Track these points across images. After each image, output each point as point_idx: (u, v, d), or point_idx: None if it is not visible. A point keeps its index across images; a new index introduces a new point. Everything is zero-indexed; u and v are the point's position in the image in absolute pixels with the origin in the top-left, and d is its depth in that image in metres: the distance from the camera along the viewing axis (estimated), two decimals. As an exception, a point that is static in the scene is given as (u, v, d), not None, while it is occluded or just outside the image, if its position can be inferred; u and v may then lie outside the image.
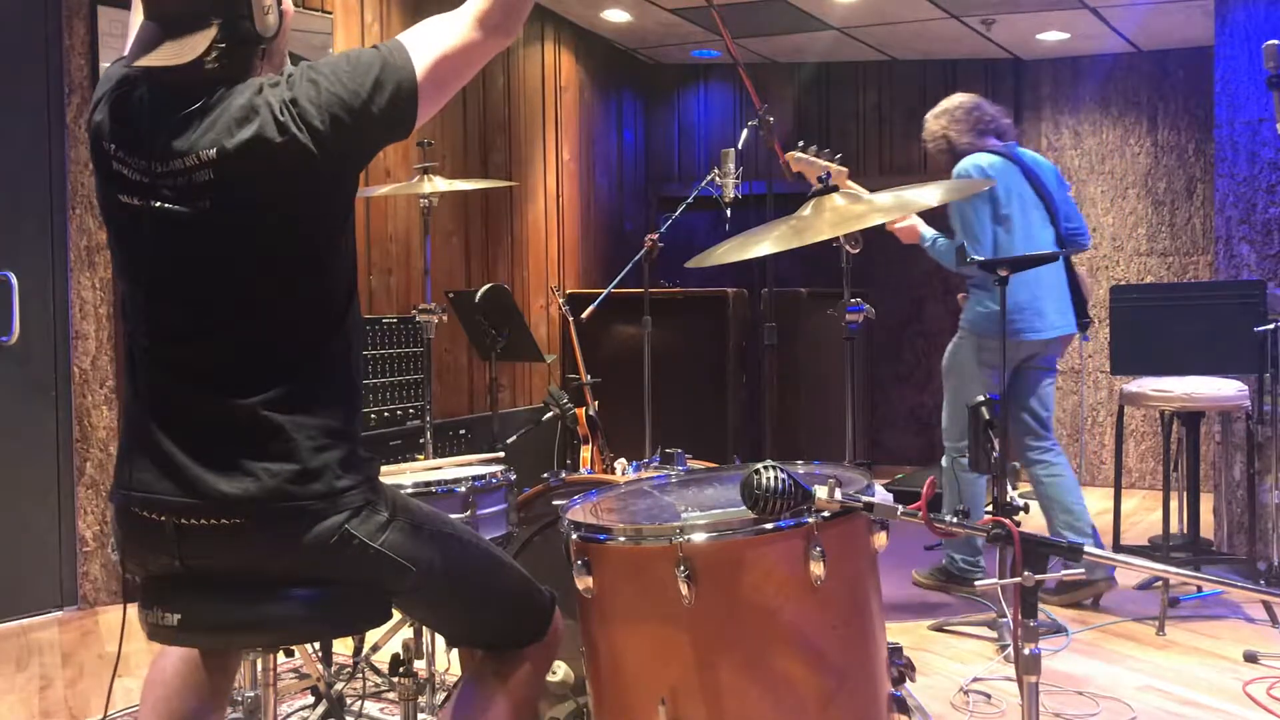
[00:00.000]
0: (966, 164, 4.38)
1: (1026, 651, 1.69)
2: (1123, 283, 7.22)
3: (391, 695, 3.19)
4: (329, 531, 1.80)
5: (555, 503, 2.41)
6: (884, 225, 3.43)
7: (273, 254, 1.80)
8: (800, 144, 3.85)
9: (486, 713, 2.02)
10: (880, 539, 1.99)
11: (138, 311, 1.88)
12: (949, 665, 3.72)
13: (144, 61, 1.81)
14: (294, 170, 1.76)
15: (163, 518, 1.81)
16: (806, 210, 2.75)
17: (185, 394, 1.82)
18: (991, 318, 4.06)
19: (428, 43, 1.83)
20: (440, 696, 3.03)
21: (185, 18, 1.78)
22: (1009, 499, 4.04)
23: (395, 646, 2.76)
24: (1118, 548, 4.53)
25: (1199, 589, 4.39)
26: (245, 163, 1.75)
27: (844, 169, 3.74)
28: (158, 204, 1.79)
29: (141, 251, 1.85)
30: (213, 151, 1.75)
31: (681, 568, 1.84)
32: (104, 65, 4.54)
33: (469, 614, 2.06)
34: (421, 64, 1.81)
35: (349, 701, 3.09)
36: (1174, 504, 4.48)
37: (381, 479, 1.94)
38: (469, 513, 2.73)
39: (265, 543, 1.81)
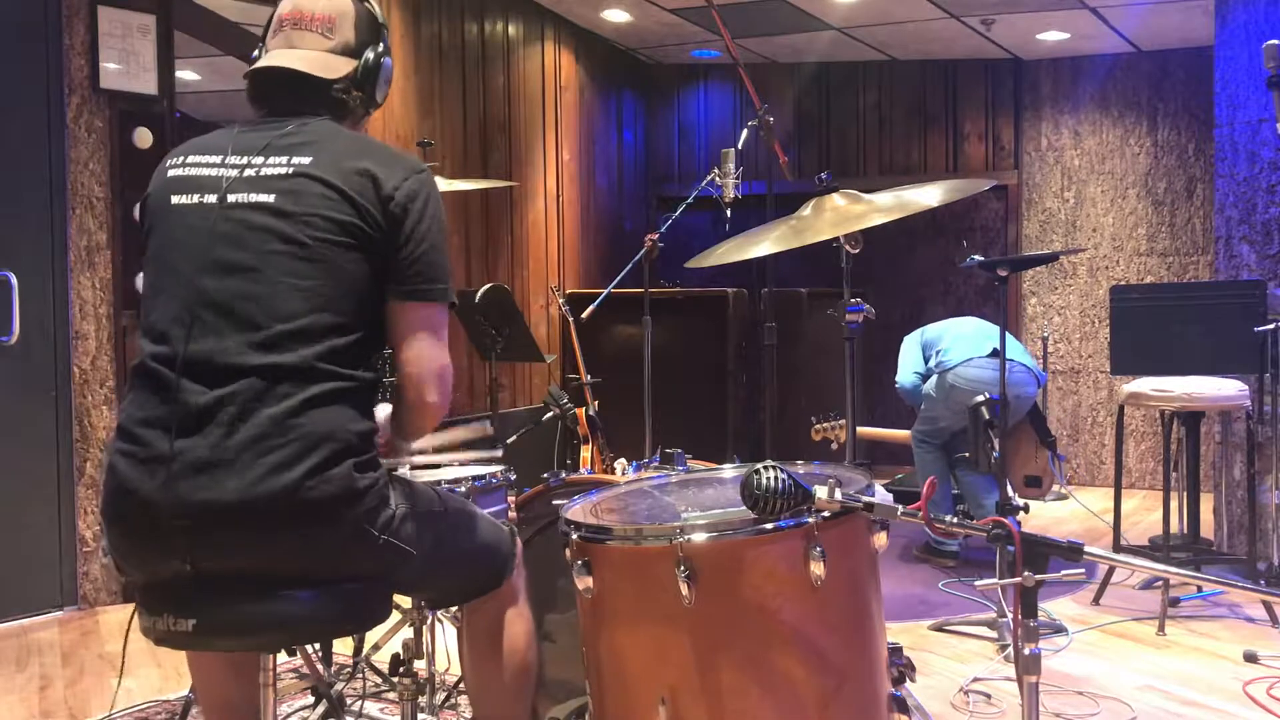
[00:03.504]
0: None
1: (1026, 651, 1.69)
2: (1123, 283, 7.22)
3: (391, 695, 3.19)
4: (347, 528, 1.83)
5: (555, 503, 2.41)
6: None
7: (291, 256, 1.88)
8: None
9: (513, 654, 2.18)
10: (880, 539, 1.99)
11: (168, 319, 1.89)
12: (949, 665, 3.72)
13: (281, 60, 1.99)
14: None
15: (175, 522, 1.80)
16: (806, 210, 2.76)
17: (199, 398, 1.83)
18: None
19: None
20: (440, 696, 3.03)
21: (351, 45, 2.04)
22: (1009, 499, 4.08)
23: (395, 646, 2.76)
24: (1118, 548, 4.53)
25: (1199, 589, 4.39)
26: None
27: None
28: (232, 198, 1.91)
29: (185, 252, 1.92)
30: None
31: (681, 568, 1.84)
32: (104, 65, 4.54)
33: (459, 579, 2.14)
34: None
35: (349, 701, 3.09)
36: (1174, 504, 4.48)
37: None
38: (469, 513, 2.73)
39: (283, 542, 1.81)
